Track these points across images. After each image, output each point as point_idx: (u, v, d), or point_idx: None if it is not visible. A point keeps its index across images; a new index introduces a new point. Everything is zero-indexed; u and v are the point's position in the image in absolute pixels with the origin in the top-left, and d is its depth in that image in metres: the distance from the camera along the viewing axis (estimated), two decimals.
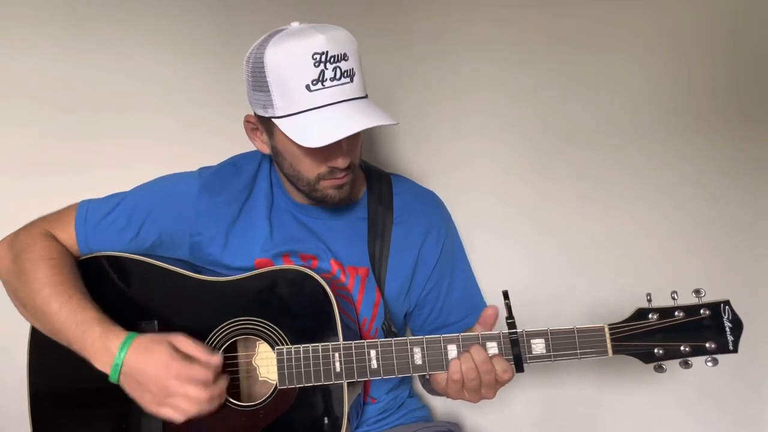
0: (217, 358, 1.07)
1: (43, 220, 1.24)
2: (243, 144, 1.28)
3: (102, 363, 1.07)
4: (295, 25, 1.11)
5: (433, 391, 1.21)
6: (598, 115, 1.56)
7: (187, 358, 1.06)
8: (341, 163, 1.12)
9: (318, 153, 1.10)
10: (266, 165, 1.29)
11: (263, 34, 1.12)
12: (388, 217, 1.26)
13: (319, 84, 1.04)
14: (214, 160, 1.32)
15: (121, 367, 1.05)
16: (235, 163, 1.30)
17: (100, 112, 1.56)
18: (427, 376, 1.13)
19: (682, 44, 1.55)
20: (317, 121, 1.05)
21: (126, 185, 1.29)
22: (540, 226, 1.56)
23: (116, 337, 1.07)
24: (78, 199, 1.27)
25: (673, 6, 1.54)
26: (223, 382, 1.08)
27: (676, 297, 1.04)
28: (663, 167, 1.56)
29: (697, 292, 1.04)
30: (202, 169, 1.29)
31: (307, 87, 1.04)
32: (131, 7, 1.55)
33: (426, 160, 1.57)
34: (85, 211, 1.23)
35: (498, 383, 1.06)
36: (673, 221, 1.56)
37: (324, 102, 1.05)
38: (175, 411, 1.03)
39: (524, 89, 1.56)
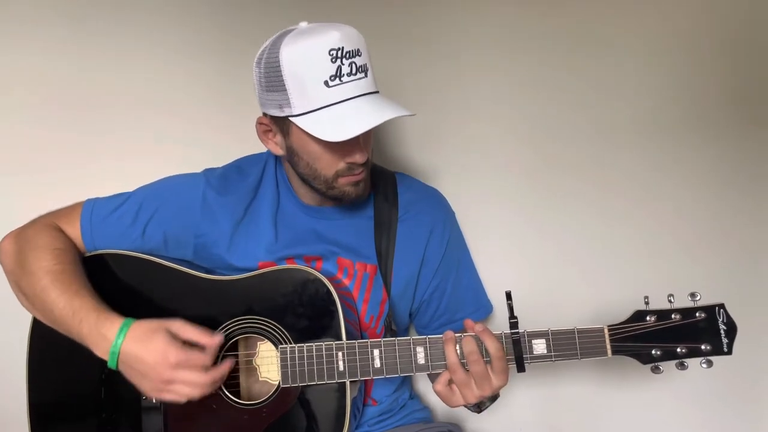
0: (217, 339, 1.08)
1: (48, 215, 1.24)
2: (246, 143, 1.30)
3: (101, 350, 1.07)
4: (303, 24, 1.11)
5: None
6: (600, 117, 1.58)
7: (186, 343, 1.06)
8: (359, 158, 1.14)
9: (336, 149, 1.11)
10: (271, 167, 1.30)
11: (268, 33, 1.13)
12: (394, 215, 1.28)
13: (337, 79, 1.05)
14: (217, 159, 1.33)
15: (118, 355, 1.06)
16: (239, 166, 1.31)
17: (103, 111, 1.56)
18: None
19: (683, 46, 1.57)
20: (338, 116, 1.05)
21: (129, 184, 1.29)
22: (543, 230, 1.58)
23: (112, 324, 1.07)
24: (81, 198, 1.28)
25: (674, 7, 1.57)
26: (225, 366, 1.09)
27: (672, 300, 1.07)
28: (663, 171, 1.58)
29: (692, 295, 1.06)
30: (207, 171, 1.30)
31: (326, 83, 1.05)
32: (135, 5, 1.56)
33: (431, 161, 1.58)
34: (91, 209, 1.24)
35: (495, 373, 1.05)
36: (673, 225, 1.58)
37: (342, 97, 1.06)
38: (177, 396, 1.05)
39: (530, 90, 1.58)
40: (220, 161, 1.33)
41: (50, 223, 1.22)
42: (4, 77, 1.56)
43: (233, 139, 1.49)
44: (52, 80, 1.56)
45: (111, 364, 1.06)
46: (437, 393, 1.09)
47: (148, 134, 1.57)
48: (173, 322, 1.08)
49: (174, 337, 1.06)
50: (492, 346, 1.05)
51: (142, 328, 1.07)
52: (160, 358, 1.03)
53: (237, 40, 1.57)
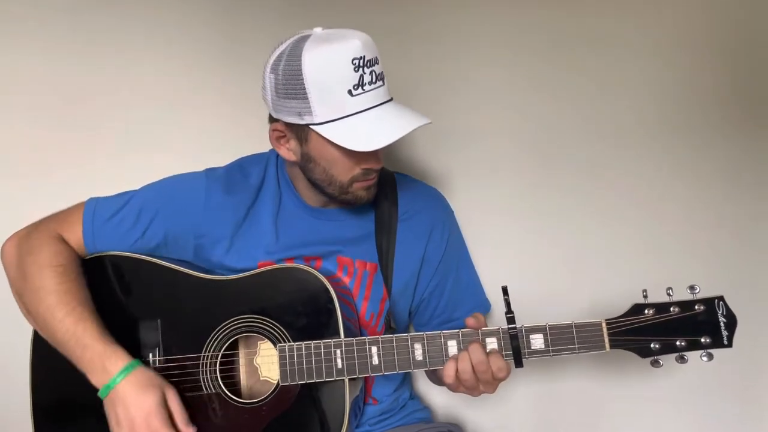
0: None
1: (51, 219, 1.24)
2: (248, 141, 1.30)
3: (97, 381, 1.09)
4: (318, 30, 1.11)
5: (438, 381, 1.23)
6: (600, 116, 1.57)
7: (170, 416, 1.09)
8: (375, 164, 1.15)
9: (354, 156, 1.11)
10: (273, 168, 1.29)
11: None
12: (394, 214, 1.28)
13: (360, 88, 1.06)
14: (219, 158, 1.32)
15: (110, 390, 1.08)
16: (241, 166, 1.30)
17: (103, 111, 1.56)
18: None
19: (684, 46, 1.56)
20: (362, 125, 1.07)
21: (129, 184, 1.29)
22: (540, 225, 1.57)
23: (117, 360, 1.09)
24: (80, 198, 1.27)
25: (676, 7, 1.56)
26: None
27: (671, 293, 1.06)
28: (665, 170, 1.57)
29: (691, 288, 1.05)
30: (208, 171, 1.29)
31: (349, 92, 1.05)
32: (135, 4, 1.56)
33: (432, 160, 1.58)
34: (93, 209, 1.24)
35: (495, 380, 1.08)
36: (671, 221, 1.57)
37: (365, 106, 1.07)
38: None
39: (530, 92, 1.58)
40: (222, 160, 1.33)
41: (53, 232, 1.21)
42: (4, 77, 1.56)
43: (235, 138, 1.49)
44: (52, 80, 1.56)
45: (101, 394, 1.09)
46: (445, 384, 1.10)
47: (148, 134, 1.57)
48: (170, 388, 1.11)
49: (165, 401, 1.09)
50: (495, 365, 1.06)
51: (142, 377, 1.09)
52: (142, 417, 1.06)
53: (239, 38, 1.56)
